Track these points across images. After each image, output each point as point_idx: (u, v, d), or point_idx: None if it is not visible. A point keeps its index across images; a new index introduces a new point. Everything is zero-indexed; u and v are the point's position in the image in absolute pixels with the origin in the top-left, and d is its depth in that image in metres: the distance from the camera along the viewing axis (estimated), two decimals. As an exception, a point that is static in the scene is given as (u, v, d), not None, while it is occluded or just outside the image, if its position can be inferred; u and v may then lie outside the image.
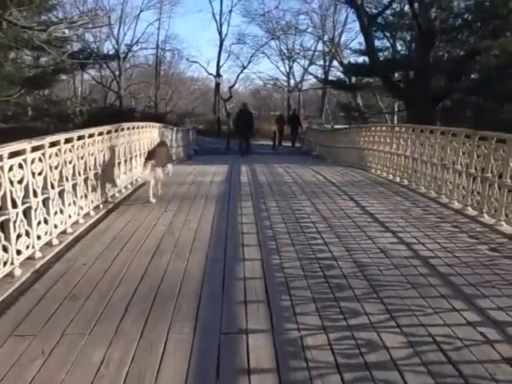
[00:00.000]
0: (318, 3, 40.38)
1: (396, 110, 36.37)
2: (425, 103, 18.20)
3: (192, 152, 17.72)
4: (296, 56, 43.48)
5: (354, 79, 30.02)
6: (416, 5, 18.41)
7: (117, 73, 44.90)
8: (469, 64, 18.44)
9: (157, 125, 10.95)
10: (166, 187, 7.61)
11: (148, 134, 9.93)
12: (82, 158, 5.39)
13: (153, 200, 6.69)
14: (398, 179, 9.25)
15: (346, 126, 14.39)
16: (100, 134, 6.08)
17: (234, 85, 38.59)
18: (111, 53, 35.68)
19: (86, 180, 5.56)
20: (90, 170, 5.69)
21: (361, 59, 27.86)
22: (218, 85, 31.33)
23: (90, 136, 5.69)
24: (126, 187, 7.55)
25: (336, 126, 37.96)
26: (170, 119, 37.88)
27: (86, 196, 5.56)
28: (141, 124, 9.06)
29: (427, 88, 18.83)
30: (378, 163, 10.75)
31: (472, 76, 19.57)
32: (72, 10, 37.34)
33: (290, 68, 44.85)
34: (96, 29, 38.37)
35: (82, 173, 5.40)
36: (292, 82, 46.50)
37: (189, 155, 16.97)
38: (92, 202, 5.80)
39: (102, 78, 48.56)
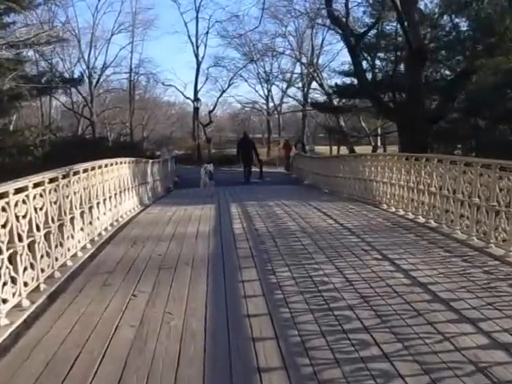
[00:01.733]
0: (294, 26, 39.52)
1: (379, 132, 35.46)
2: (419, 125, 16.91)
3: (171, 185, 15.92)
4: (274, 79, 42.61)
5: (338, 101, 28.97)
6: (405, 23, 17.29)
7: (89, 98, 43.25)
8: (463, 83, 17.26)
9: (126, 160, 9.16)
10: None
11: (116, 173, 8.15)
12: (3, 225, 3.57)
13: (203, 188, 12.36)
14: (421, 219, 7.62)
15: (351, 154, 12.76)
16: (37, 184, 4.27)
17: (213, 109, 37.14)
18: (77, 76, 33.64)
19: (13, 256, 3.74)
20: (20, 240, 3.87)
21: (342, 81, 26.85)
22: (196, 109, 29.64)
23: (19, 191, 3.87)
24: (83, 248, 5.71)
25: (317, 148, 37.05)
26: (146, 147, 36.14)
27: (13, 280, 3.73)
28: (104, 162, 7.26)
29: (420, 109, 17.58)
30: (391, 198, 9.13)
31: (467, 96, 18.41)
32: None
33: (269, 91, 43.84)
34: (59, 50, 36.86)
35: (4, 248, 3.59)
36: (271, 104, 45.42)
37: (167, 189, 15.19)
38: (26, 285, 3.96)
39: (73, 103, 46.77)
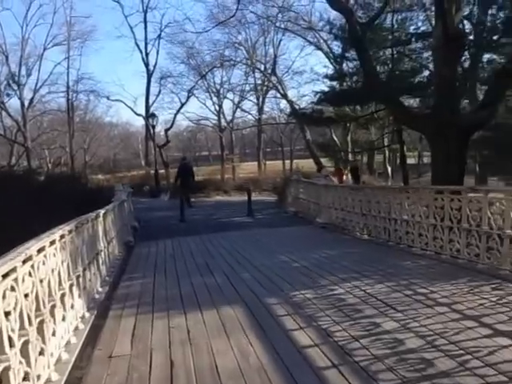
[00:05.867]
0: (245, 35, 35.82)
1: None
2: (454, 134, 12.76)
3: (131, 238, 10.71)
4: (226, 92, 38.44)
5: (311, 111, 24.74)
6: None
7: (22, 122, 37.64)
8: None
9: (57, 237, 4.10)
10: None
11: (25, 288, 3.14)
12: None
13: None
14: None
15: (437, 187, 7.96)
16: None
17: (170, 127, 31.70)
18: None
19: None
20: None
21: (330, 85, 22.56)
22: (152, 127, 23.90)
23: None
24: None
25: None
26: (90, 173, 30.49)
27: None
28: None
29: (456, 113, 13.45)
30: None
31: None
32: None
33: (220, 106, 39.43)
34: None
35: None
36: (226, 120, 41.13)
37: (127, 244, 10.05)
38: None
39: (4, 128, 41.05)
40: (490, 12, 15.52)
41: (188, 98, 33.01)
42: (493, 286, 5.40)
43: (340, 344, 3.88)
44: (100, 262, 6.76)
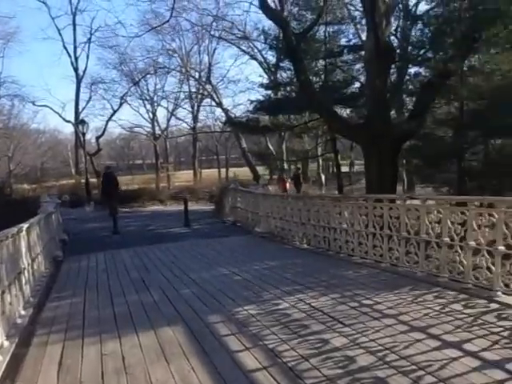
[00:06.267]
0: (179, 42, 35.57)
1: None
2: (386, 143, 13.17)
3: (59, 253, 10.00)
4: (159, 100, 37.75)
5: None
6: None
7: None
8: (444, 89, 13.92)
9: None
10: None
11: None
12: None
13: None
14: None
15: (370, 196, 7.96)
16: None
17: (102, 134, 30.47)
18: None
19: None
20: None
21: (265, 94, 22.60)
22: (83, 135, 22.66)
23: None
24: None
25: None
26: (15, 183, 28.66)
27: None
28: None
29: (387, 123, 13.89)
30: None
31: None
32: None
33: (153, 114, 38.63)
34: None
35: None
36: (160, 128, 40.31)
37: (55, 260, 9.35)
38: None
39: None
40: (416, 27, 16.23)
41: (120, 104, 32.08)
42: (434, 294, 5.43)
43: (289, 365, 3.66)
44: (23, 281, 6.15)
